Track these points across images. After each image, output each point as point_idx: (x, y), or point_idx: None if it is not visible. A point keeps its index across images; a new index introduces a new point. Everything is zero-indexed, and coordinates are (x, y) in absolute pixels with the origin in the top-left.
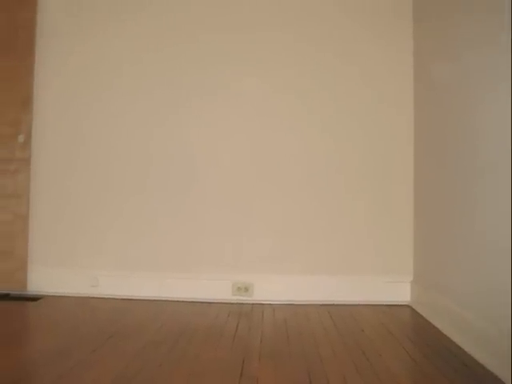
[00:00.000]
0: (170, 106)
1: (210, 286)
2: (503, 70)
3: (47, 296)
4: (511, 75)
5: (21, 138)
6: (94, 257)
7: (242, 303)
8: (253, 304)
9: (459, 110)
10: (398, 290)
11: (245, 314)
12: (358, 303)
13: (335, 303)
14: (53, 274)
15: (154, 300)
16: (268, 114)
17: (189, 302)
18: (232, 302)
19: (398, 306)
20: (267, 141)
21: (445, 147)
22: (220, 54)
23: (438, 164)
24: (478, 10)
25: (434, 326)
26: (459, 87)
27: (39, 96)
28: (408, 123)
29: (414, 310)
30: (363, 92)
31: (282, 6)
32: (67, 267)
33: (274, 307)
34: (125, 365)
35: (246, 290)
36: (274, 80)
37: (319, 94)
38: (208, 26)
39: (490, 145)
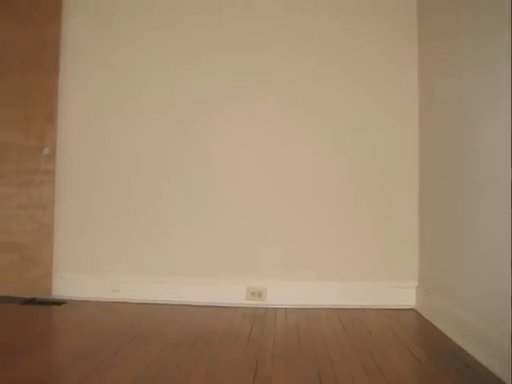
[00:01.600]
0: (189, 119)
1: (225, 291)
2: (503, 88)
3: (71, 300)
4: (511, 93)
5: (46, 151)
6: (115, 263)
7: (256, 307)
8: (266, 308)
9: (461, 125)
10: (403, 295)
11: (258, 317)
12: (365, 307)
13: (344, 307)
14: (76, 280)
15: (172, 304)
16: (281, 127)
17: (205, 306)
18: (246, 306)
19: (403, 310)
20: (280, 153)
21: (448, 159)
22: (237, 71)
23: (441, 175)
24: (479, 29)
25: (437, 329)
26: (461, 103)
27: (63, 110)
28: (413, 136)
29: (418, 313)
30: (371, 107)
31: (294, 25)
32: (90, 273)
33: (286, 311)
34: (145, 366)
35: (260, 294)
36: (287, 96)
37: (329, 109)
38: (226, 43)
39: (490, 157)
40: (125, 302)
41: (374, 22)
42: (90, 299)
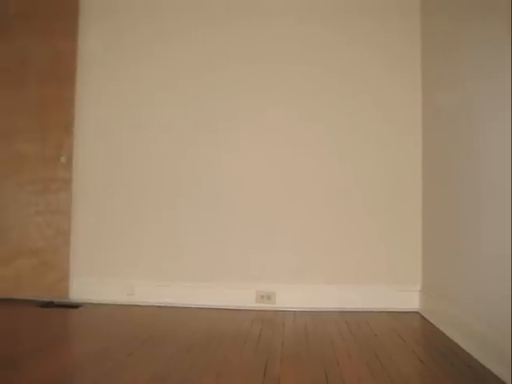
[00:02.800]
0: (200, 130)
1: (236, 295)
2: (504, 98)
3: (87, 303)
4: (511, 104)
5: (63, 159)
6: (130, 268)
7: (266, 310)
8: (275, 311)
9: (463, 135)
10: (407, 299)
11: (268, 320)
12: (371, 310)
13: (350, 310)
14: (92, 284)
15: (186, 307)
16: (288, 137)
17: (217, 309)
18: (256, 309)
19: (407, 312)
20: (289, 163)
21: (450, 168)
22: (249, 83)
23: (444, 183)
24: (480, 41)
25: (440, 331)
26: (463, 113)
27: (80, 120)
28: (416, 145)
29: (422, 316)
30: (376, 118)
31: (300, 38)
32: (105, 277)
33: (294, 314)
34: (159, 366)
35: (269, 298)
36: (294, 107)
37: (335, 119)
38: (239, 56)
39: (491, 167)
40: (139, 305)
41: (379, 34)
42: (105, 302)
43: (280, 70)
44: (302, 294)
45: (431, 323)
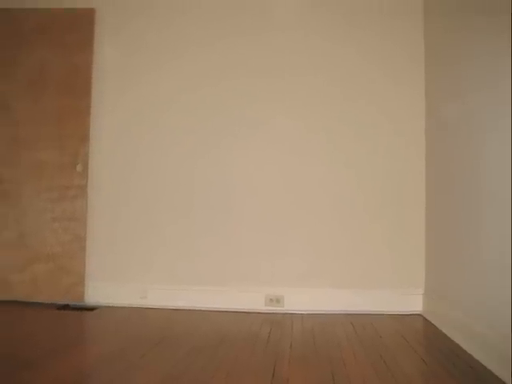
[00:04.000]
0: (213, 139)
1: (245, 298)
2: (503, 108)
3: (102, 307)
4: (511, 115)
5: (79, 168)
6: (143, 272)
7: (274, 313)
8: (283, 314)
9: (464, 145)
10: (411, 302)
11: (276, 322)
12: (376, 313)
13: (356, 313)
14: (107, 288)
15: (197, 310)
16: (297, 147)
17: (227, 311)
18: (265, 312)
19: (411, 315)
20: (298, 171)
21: (452, 175)
22: (256, 95)
23: (446, 191)
24: (481, 55)
25: (443, 333)
26: (464, 124)
27: (95, 130)
28: (420, 155)
29: (425, 319)
30: (381, 129)
31: (312, 54)
32: (119, 281)
33: (302, 316)
34: (171, 367)
35: (278, 301)
36: (304, 119)
37: (342, 131)
38: (248, 68)
39: (492, 175)
40: (152, 308)
41: (383, 47)
42: (119, 305)
43: (288, 83)
44: (309, 297)
45: (434, 325)
